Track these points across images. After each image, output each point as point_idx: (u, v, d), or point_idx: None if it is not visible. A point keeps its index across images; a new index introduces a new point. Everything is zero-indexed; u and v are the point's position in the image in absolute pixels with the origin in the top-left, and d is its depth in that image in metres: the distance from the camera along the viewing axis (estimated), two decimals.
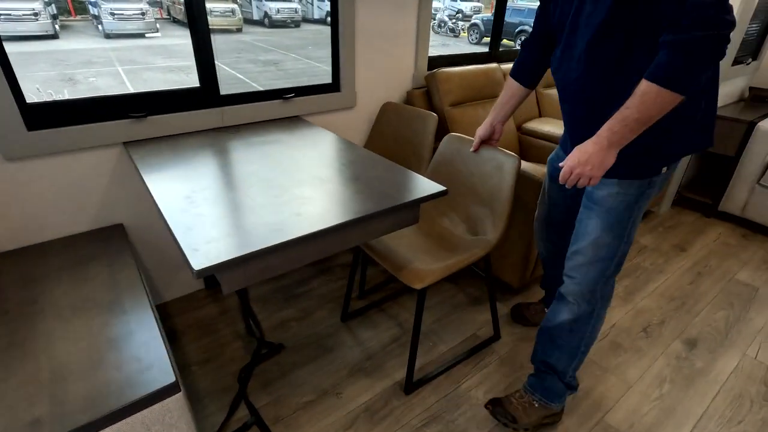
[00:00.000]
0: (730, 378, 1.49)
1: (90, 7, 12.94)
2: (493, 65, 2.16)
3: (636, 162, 0.98)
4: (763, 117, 2.46)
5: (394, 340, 1.60)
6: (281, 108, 1.69)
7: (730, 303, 1.88)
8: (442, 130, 2.02)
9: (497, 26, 2.38)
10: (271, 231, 0.89)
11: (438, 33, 14.48)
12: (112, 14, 11.67)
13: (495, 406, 1.29)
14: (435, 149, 1.80)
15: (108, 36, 11.45)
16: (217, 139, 1.46)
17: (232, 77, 8.33)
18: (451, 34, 14.12)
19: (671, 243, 2.33)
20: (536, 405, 1.25)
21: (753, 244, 2.36)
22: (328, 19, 1.75)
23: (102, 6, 11.47)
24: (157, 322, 1.01)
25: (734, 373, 1.51)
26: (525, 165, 1.55)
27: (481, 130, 1.38)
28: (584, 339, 1.16)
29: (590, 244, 1.06)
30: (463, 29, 14.17)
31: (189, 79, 8.04)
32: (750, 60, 2.65)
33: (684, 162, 2.55)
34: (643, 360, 1.56)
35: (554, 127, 2.18)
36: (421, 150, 1.82)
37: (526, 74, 1.26)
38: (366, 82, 1.90)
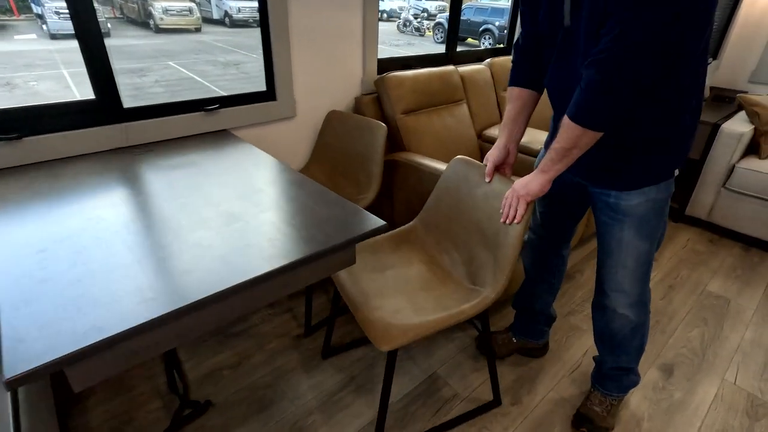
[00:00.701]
0: (710, 411, 1.36)
1: (33, 5, 12.08)
2: (450, 68, 1.98)
3: (663, 163, 0.97)
4: (726, 118, 2.39)
5: (343, 387, 1.40)
6: (204, 121, 1.45)
7: (704, 319, 1.77)
8: (395, 140, 1.82)
9: (453, 27, 2.20)
10: (140, 302, 0.66)
11: (404, 32, 14.37)
12: (58, 13, 10.94)
13: (583, 422, 1.27)
14: (391, 162, 1.61)
15: (54, 36, 10.72)
16: (116, 163, 1.20)
17: (188, 79, 7.89)
18: (417, 33, 14.03)
19: None
20: (615, 403, 1.31)
21: (721, 250, 2.29)
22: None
23: (46, 5, 10.74)
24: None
25: (714, 404, 1.39)
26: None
27: (493, 154, 1.15)
28: (646, 334, 1.20)
29: (630, 255, 1.05)
30: (428, 28, 14.11)
31: (142, 81, 7.57)
32: (711, 60, 2.59)
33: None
34: None
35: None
36: (371, 165, 1.61)
37: (531, 77, 1.10)
38: (306, 89, 1.68)
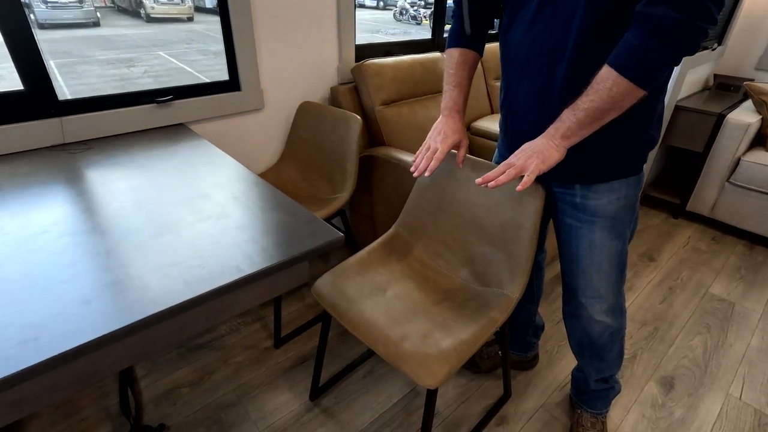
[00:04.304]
0: (714, 430, 1.25)
1: None
2: (435, 54, 1.83)
3: (635, 155, 0.87)
4: (731, 108, 2.25)
5: (313, 406, 1.27)
6: (156, 115, 1.30)
7: (707, 325, 1.65)
8: (374, 133, 1.68)
9: (439, 10, 2.04)
10: (20, 343, 0.53)
11: (400, 21, 14.10)
12: (45, 2, 10.69)
13: None
14: (369, 158, 1.47)
15: (42, 26, 10.48)
16: (47, 163, 1.06)
17: (177, 69, 7.72)
18: (414, 22, 13.77)
19: (639, 251, 2.10)
20: (605, 419, 1.23)
21: (724, 248, 2.16)
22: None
23: None
24: None
25: (719, 422, 1.27)
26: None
27: (451, 138, 0.95)
28: (624, 338, 1.11)
29: (605, 257, 0.95)
30: (425, 16, 13.84)
31: (130, 72, 7.38)
32: (715, 45, 2.44)
33: (650, 158, 2.32)
34: (614, 411, 1.30)
35: None
36: (345, 162, 1.48)
37: (480, 35, 0.96)
38: (275, 78, 1.54)
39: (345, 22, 1.64)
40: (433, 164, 0.92)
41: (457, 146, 0.98)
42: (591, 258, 0.97)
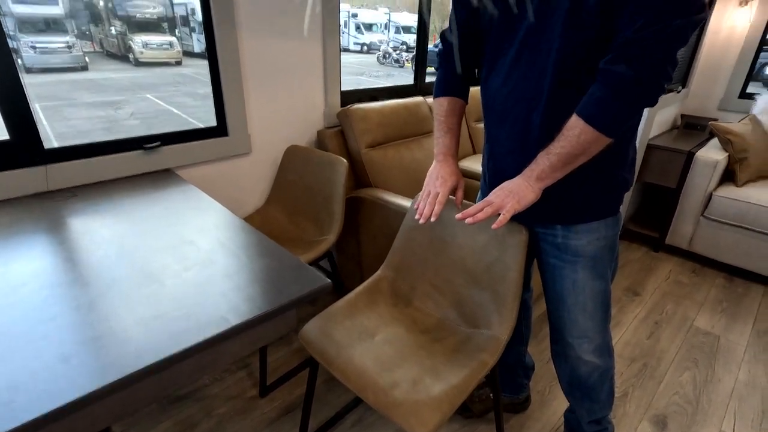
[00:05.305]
0: None
1: (9, 40, 11.98)
2: (418, 99, 1.91)
3: (610, 197, 0.92)
4: (700, 145, 2.37)
5: None
6: (143, 161, 1.31)
7: (694, 360, 1.66)
8: (360, 175, 1.72)
9: (420, 57, 2.15)
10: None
11: (383, 64, 14.67)
12: (34, 48, 10.84)
13: None
14: (356, 199, 1.49)
15: (29, 70, 10.58)
16: (30, 212, 1.05)
17: (165, 112, 7.80)
18: (397, 65, 14.34)
19: (623, 286, 2.13)
20: None
21: (705, 281, 2.21)
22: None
23: (22, 39, 10.65)
24: None
25: None
26: None
27: (449, 182, 0.97)
28: (614, 377, 1.12)
29: (589, 297, 0.97)
30: (407, 60, 14.45)
31: (117, 114, 7.43)
32: (680, 88, 2.60)
33: (626, 196, 2.41)
34: None
35: None
36: (331, 205, 1.49)
37: (464, 84, 1.01)
38: (263, 123, 1.57)
39: (331, 70, 1.71)
40: (437, 209, 0.93)
41: (454, 189, 1.01)
42: (575, 297, 0.98)
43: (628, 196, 2.42)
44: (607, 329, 1.04)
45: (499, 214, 0.81)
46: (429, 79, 2.20)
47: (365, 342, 1.04)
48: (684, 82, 2.70)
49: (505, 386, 1.34)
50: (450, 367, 0.98)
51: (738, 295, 2.09)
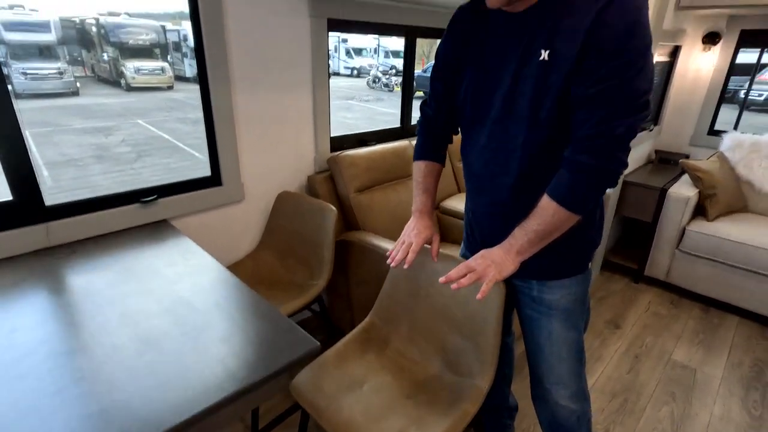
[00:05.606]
0: None
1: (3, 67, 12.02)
2: (404, 143, 2.00)
3: (580, 256, 1.00)
4: (673, 180, 2.49)
5: None
6: (140, 213, 1.37)
7: (672, 393, 1.73)
8: (349, 218, 1.79)
9: (406, 105, 2.26)
10: None
11: (373, 88, 14.97)
12: (25, 74, 10.89)
13: None
14: (345, 242, 1.56)
15: (19, 96, 10.61)
16: (30, 270, 1.09)
17: (156, 138, 7.85)
18: (386, 89, 14.64)
19: (605, 319, 2.21)
20: None
21: (682, 312, 2.30)
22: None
23: (12, 65, 10.69)
24: None
25: None
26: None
27: (423, 234, 1.04)
28: (590, 420, 1.17)
29: (563, 346, 1.04)
30: (396, 84, 14.78)
31: (108, 141, 7.45)
32: (652, 126, 2.75)
33: (606, 226, 2.51)
34: None
35: None
36: (321, 250, 1.55)
37: (441, 151, 1.11)
38: (256, 171, 1.64)
39: (321, 118, 1.80)
40: (410, 256, 1.00)
41: (429, 241, 1.08)
42: (551, 347, 1.05)
43: (606, 229, 2.52)
44: (582, 375, 1.10)
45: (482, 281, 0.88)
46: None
47: (354, 392, 1.09)
48: (656, 120, 2.85)
49: (489, 428, 1.39)
50: (435, 417, 1.03)
51: (714, 326, 2.18)
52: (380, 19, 1.86)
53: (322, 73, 1.73)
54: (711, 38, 2.63)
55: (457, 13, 0.96)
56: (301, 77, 1.68)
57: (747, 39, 2.60)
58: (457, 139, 1.09)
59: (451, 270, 0.89)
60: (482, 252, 0.93)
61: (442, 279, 0.90)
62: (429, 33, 2.14)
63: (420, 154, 1.11)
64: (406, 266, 1.00)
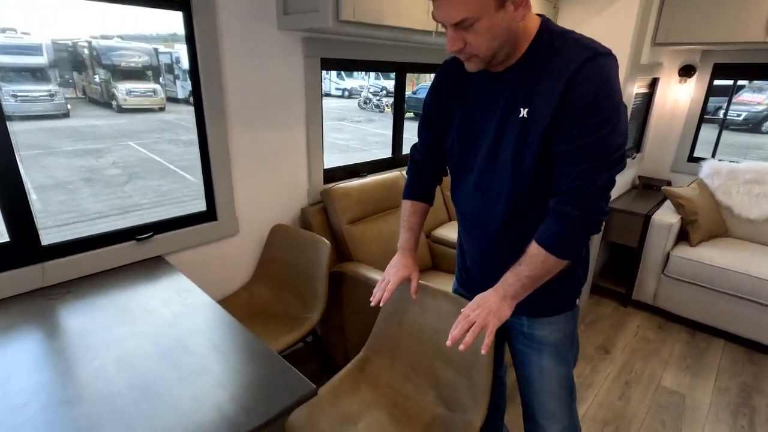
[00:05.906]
0: None
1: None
2: (395, 173, 2.05)
3: (568, 294, 1.04)
4: (657, 206, 2.57)
5: None
6: (135, 250, 1.38)
7: (662, 421, 1.75)
8: (342, 250, 1.81)
9: (397, 135, 2.32)
10: None
11: (364, 109, 15.19)
12: (15, 96, 10.87)
13: None
14: (338, 274, 1.59)
15: (9, 118, 10.53)
16: (23, 311, 1.10)
17: (147, 160, 7.84)
18: (377, 110, 14.86)
19: (595, 344, 2.24)
20: None
21: (670, 336, 2.34)
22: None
23: (3, 87, 10.67)
24: None
25: None
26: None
27: (402, 272, 1.09)
28: None
29: (554, 380, 1.07)
30: (387, 105, 15.01)
31: (98, 163, 7.42)
32: (635, 154, 2.85)
33: (594, 252, 2.57)
34: None
35: None
36: (315, 283, 1.58)
37: (429, 192, 1.16)
38: (250, 205, 1.67)
39: (314, 152, 1.84)
40: (385, 296, 1.06)
41: (409, 278, 1.12)
42: (542, 381, 1.08)
43: (594, 254, 2.58)
44: (573, 409, 1.13)
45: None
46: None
47: (349, 430, 1.10)
48: (638, 147, 2.95)
49: None
50: None
51: (700, 350, 2.22)
52: (372, 57, 1.93)
53: (315, 109, 1.79)
54: (686, 71, 2.76)
55: (443, 66, 1.01)
56: (295, 113, 1.73)
57: (720, 71, 2.73)
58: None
59: (452, 325, 0.92)
60: (478, 299, 0.95)
61: (449, 343, 0.92)
62: (418, 68, 2.23)
63: (408, 193, 1.16)
64: (381, 304, 1.07)
